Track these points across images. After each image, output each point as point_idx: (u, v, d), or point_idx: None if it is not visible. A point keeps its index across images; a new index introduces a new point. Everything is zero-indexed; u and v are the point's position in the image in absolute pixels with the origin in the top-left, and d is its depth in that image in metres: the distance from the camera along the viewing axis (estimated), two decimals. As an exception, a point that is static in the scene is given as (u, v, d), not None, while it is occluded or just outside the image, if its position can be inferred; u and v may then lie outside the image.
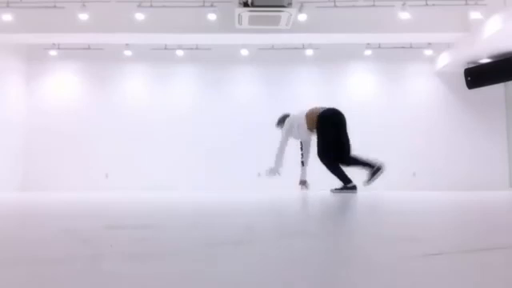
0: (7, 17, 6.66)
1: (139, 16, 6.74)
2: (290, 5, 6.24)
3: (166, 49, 8.10)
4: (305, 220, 2.78)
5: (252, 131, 8.08)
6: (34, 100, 8.26)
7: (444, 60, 7.85)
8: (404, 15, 6.54)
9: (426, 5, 6.69)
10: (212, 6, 6.68)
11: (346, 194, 5.13)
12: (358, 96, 8.29)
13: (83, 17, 6.61)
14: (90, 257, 1.19)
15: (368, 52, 8.12)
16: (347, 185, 5.31)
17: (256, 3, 6.14)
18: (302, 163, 5.55)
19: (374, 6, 6.70)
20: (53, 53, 8.12)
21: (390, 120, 8.19)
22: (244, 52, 8.01)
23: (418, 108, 8.25)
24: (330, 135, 5.08)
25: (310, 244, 1.56)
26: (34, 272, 0.99)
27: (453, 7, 6.70)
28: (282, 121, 5.38)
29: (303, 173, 5.56)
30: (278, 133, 7.82)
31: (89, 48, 8.04)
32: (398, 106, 8.26)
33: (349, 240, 1.58)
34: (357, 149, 8.22)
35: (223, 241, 1.53)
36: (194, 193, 6.86)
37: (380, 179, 8.09)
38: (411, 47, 8.07)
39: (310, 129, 5.25)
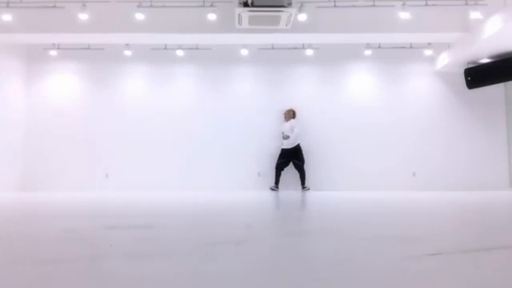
0: (7, 17, 6.64)
1: (139, 16, 6.72)
2: (289, 5, 6.22)
3: (165, 49, 8.08)
4: (304, 220, 2.78)
5: (252, 131, 8.06)
6: (33, 100, 8.24)
7: (444, 60, 7.83)
8: (404, 15, 6.52)
9: (426, 5, 6.68)
10: (212, 6, 6.67)
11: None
12: (358, 96, 8.27)
13: (83, 17, 6.60)
14: (89, 257, 1.19)
15: (368, 52, 8.10)
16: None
17: (256, 3, 6.13)
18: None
19: (374, 6, 6.69)
20: (53, 53, 8.10)
21: (389, 120, 8.17)
22: (244, 52, 7.99)
23: (417, 108, 8.23)
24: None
25: (310, 244, 1.56)
26: (34, 272, 1.00)
27: (453, 7, 6.69)
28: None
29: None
30: (277, 132, 7.86)
31: (89, 48, 8.02)
32: (398, 105, 8.24)
33: (349, 240, 1.58)
34: (357, 149, 8.26)
35: (222, 240, 1.53)
36: (194, 193, 6.86)
37: (381, 179, 8.11)
38: (411, 47, 8.05)
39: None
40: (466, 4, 6.54)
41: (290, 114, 7.87)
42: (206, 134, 8.14)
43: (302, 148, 7.70)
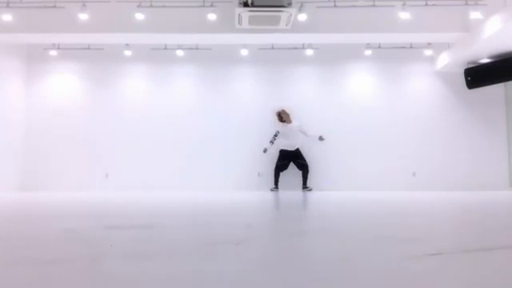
0: (7, 17, 6.64)
1: (139, 16, 6.72)
2: (289, 5, 6.22)
3: (165, 49, 8.08)
4: (304, 220, 2.78)
5: (252, 131, 8.07)
6: (33, 100, 8.24)
7: (444, 60, 7.83)
8: (404, 15, 6.52)
9: (426, 5, 6.68)
10: (212, 6, 6.67)
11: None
12: (358, 96, 8.27)
13: (83, 17, 6.60)
14: (90, 257, 1.19)
15: (368, 52, 8.10)
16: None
17: (256, 3, 6.13)
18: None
19: (374, 6, 6.69)
20: (53, 53, 8.10)
21: (389, 120, 8.17)
22: (244, 52, 7.99)
23: (417, 108, 8.23)
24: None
25: (310, 244, 1.56)
26: (34, 272, 1.00)
27: (453, 7, 6.69)
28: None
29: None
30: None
31: (89, 48, 8.02)
32: (398, 105, 8.24)
33: (349, 240, 1.58)
34: (357, 149, 8.27)
35: (222, 240, 1.53)
36: (194, 193, 6.86)
37: (381, 179, 8.12)
38: (411, 47, 8.05)
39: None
40: (466, 4, 6.54)
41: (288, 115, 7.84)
42: (206, 133, 8.14)
43: (301, 148, 7.73)
